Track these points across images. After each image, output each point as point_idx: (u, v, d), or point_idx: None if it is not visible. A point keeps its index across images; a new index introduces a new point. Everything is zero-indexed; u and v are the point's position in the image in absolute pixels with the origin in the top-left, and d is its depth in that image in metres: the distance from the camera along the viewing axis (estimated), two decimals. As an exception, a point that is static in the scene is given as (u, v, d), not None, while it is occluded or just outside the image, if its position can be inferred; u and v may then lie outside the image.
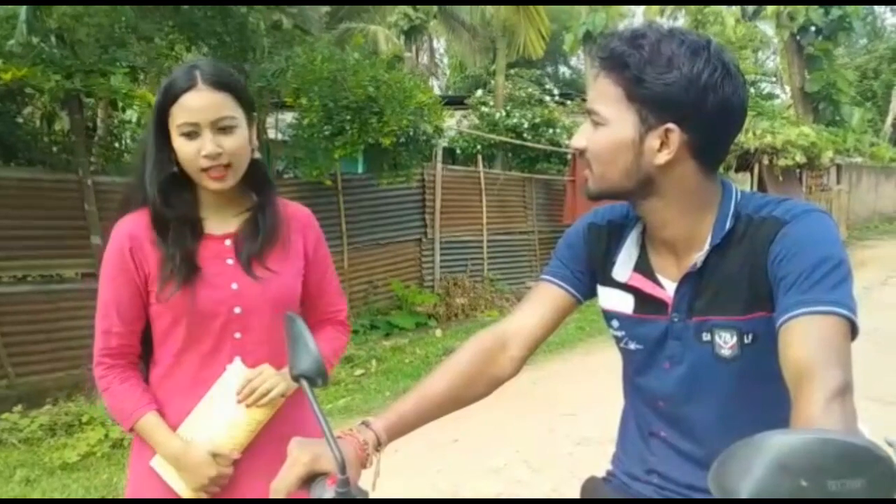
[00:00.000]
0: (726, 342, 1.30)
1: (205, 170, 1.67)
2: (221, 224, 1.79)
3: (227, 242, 1.78)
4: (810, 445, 0.73)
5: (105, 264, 1.76)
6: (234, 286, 1.75)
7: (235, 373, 1.76)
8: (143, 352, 1.83)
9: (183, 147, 1.66)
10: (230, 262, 1.77)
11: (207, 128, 1.65)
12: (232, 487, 1.76)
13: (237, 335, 1.77)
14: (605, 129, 1.28)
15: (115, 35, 5.64)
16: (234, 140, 1.68)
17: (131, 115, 7.49)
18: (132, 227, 1.75)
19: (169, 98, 1.66)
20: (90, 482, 4.36)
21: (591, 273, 1.51)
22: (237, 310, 1.75)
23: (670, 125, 1.24)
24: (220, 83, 1.68)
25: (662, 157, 1.26)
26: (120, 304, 1.75)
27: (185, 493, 1.74)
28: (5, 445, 4.85)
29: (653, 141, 1.26)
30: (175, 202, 1.73)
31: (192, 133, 1.65)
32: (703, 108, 1.22)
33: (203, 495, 1.73)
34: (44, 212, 5.73)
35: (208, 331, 1.75)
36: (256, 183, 1.80)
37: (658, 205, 1.33)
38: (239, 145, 1.69)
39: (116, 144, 7.26)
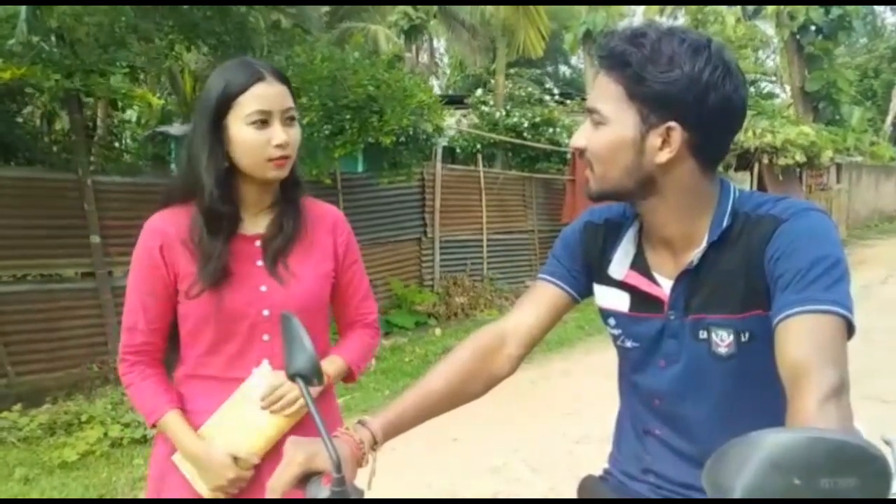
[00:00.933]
0: (723, 340, 1.30)
1: (270, 160, 1.66)
2: (252, 224, 1.78)
3: (257, 243, 1.77)
4: (803, 444, 0.73)
5: (135, 261, 1.75)
6: (263, 288, 1.74)
7: (262, 377, 1.74)
8: (169, 348, 1.82)
9: (252, 137, 1.65)
10: (259, 263, 1.76)
11: (278, 117, 1.66)
12: (255, 489, 1.75)
13: (265, 337, 1.76)
14: (606, 128, 1.28)
15: (114, 34, 5.64)
16: (296, 132, 1.71)
17: (131, 114, 7.50)
18: (164, 225, 1.74)
19: (234, 90, 1.65)
20: (89, 481, 4.36)
21: (587, 271, 1.51)
22: (265, 312, 1.74)
23: (672, 123, 1.24)
24: (281, 76, 1.71)
25: (663, 156, 1.26)
26: (146, 301, 1.74)
27: (204, 491, 1.74)
28: (4, 444, 4.84)
29: (654, 140, 1.25)
30: (230, 198, 1.73)
31: (262, 122, 1.65)
32: (704, 107, 1.22)
33: (220, 495, 1.73)
34: (43, 211, 5.73)
35: (236, 333, 1.74)
36: (286, 182, 1.78)
37: (658, 204, 1.33)
38: (298, 137, 1.72)
39: (116, 144, 7.27)
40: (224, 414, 1.75)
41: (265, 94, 1.65)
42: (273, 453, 1.74)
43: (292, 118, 1.71)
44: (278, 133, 1.66)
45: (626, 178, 1.30)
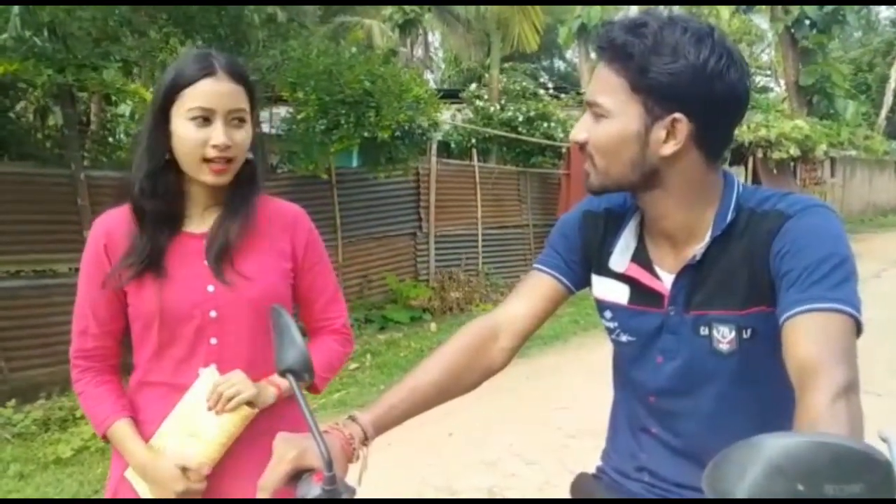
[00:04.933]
0: (724, 336, 1.28)
1: (207, 161, 1.58)
2: (200, 222, 1.70)
3: (204, 242, 1.68)
4: (807, 449, 0.72)
5: (83, 261, 1.68)
6: (211, 288, 1.65)
7: (206, 380, 1.65)
8: (125, 354, 1.74)
9: (190, 134, 1.56)
10: (206, 263, 1.66)
11: (221, 117, 1.58)
12: (220, 489, 1.67)
13: (213, 341, 1.66)
14: (609, 121, 1.25)
15: (108, 29, 5.61)
16: (242, 134, 1.61)
17: (125, 109, 7.45)
18: (109, 224, 1.68)
19: (181, 82, 1.57)
20: (84, 477, 4.35)
21: (585, 262, 1.48)
22: (213, 314, 1.65)
23: (677, 115, 1.22)
24: (238, 74, 1.62)
25: (669, 149, 1.24)
26: (95, 303, 1.67)
27: None
28: (-1, 440, 4.84)
29: (658, 132, 1.23)
30: (162, 193, 1.64)
31: (203, 120, 1.57)
32: (709, 97, 1.20)
33: None
34: (36, 206, 5.69)
35: (181, 335, 1.65)
36: (240, 180, 1.69)
37: (661, 196, 1.31)
38: (245, 141, 1.63)
39: (110, 139, 7.22)
40: (172, 422, 1.66)
41: (210, 91, 1.57)
42: (242, 449, 1.67)
43: (241, 119, 1.62)
44: (217, 133, 1.57)
45: (630, 171, 1.27)
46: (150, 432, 1.67)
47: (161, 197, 1.64)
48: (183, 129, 1.58)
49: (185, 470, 1.61)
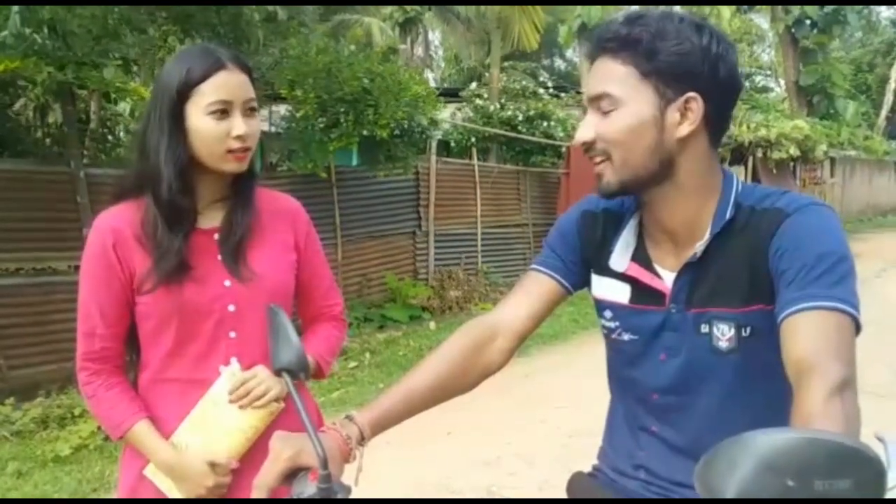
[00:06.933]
0: (724, 334, 1.28)
1: (230, 151, 1.59)
2: (208, 217, 1.70)
3: (216, 237, 1.69)
4: (797, 445, 0.72)
5: (85, 261, 1.66)
6: (227, 283, 1.66)
7: (231, 376, 1.66)
8: (129, 355, 1.73)
9: (212, 127, 1.57)
10: (220, 258, 1.68)
11: (239, 108, 1.59)
12: (235, 492, 1.68)
13: (232, 334, 1.68)
14: (620, 111, 1.25)
15: (107, 26, 5.60)
16: (256, 123, 1.64)
17: (124, 107, 7.45)
18: (115, 222, 1.65)
19: (194, 78, 1.57)
20: (82, 475, 4.35)
21: (584, 262, 1.48)
22: (231, 307, 1.66)
23: (691, 94, 1.23)
24: (245, 66, 1.64)
25: (685, 129, 1.25)
26: (102, 303, 1.64)
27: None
28: (-3, 438, 4.84)
29: (673, 114, 1.24)
30: (187, 190, 1.65)
31: (222, 112, 1.58)
32: (716, 77, 1.24)
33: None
34: (36, 204, 5.68)
35: (200, 331, 1.65)
36: (239, 174, 1.70)
37: (670, 190, 1.30)
38: (258, 129, 1.66)
39: (109, 137, 7.22)
40: (196, 418, 1.66)
41: (226, 84, 1.58)
42: (254, 450, 1.67)
43: (253, 109, 1.64)
44: (238, 124, 1.59)
45: (650, 158, 1.27)
46: (168, 430, 1.67)
47: (189, 194, 1.66)
48: (203, 124, 1.58)
49: (212, 465, 1.63)
